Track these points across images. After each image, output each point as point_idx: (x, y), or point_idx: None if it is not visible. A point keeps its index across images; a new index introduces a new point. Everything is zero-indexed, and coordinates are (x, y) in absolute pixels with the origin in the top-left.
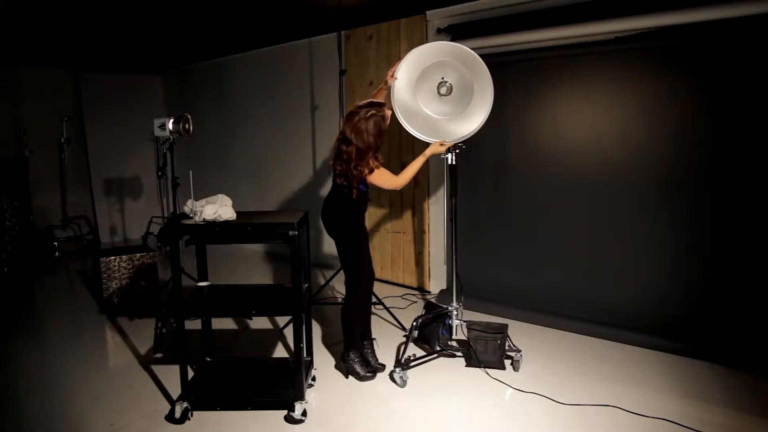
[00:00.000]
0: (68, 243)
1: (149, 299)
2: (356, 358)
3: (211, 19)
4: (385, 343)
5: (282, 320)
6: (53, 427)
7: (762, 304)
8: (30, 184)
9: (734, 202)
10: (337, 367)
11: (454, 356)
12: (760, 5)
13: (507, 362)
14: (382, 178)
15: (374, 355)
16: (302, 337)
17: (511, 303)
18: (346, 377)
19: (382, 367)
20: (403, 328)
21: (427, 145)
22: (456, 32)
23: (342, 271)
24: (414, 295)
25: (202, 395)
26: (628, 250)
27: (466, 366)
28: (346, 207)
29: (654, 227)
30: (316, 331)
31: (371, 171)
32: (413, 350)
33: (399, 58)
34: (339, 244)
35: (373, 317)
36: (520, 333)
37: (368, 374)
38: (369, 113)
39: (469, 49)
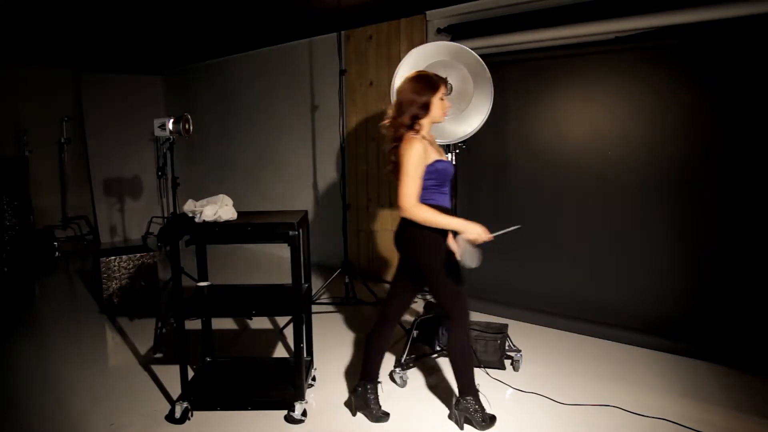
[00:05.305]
0: (68, 243)
1: (149, 299)
2: (476, 404)
3: (211, 19)
4: None
5: (282, 320)
6: (53, 427)
7: (762, 304)
8: (30, 184)
9: (734, 202)
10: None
11: None
12: (760, 5)
13: (507, 362)
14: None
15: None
16: (302, 337)
17: (511, 303)
18: (461, 429)
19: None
20: (403, 328)
21: None
22: (456, 32)
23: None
24: None
25: (202, 395)
26: (628, 249)
27: None
28: None
29: (654, 227)
30: (316, 331)
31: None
32: (413, 350)
33: (399, 58)
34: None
35: (373, 317)
36: (520, 333)
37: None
38: None
39: (469, 49)
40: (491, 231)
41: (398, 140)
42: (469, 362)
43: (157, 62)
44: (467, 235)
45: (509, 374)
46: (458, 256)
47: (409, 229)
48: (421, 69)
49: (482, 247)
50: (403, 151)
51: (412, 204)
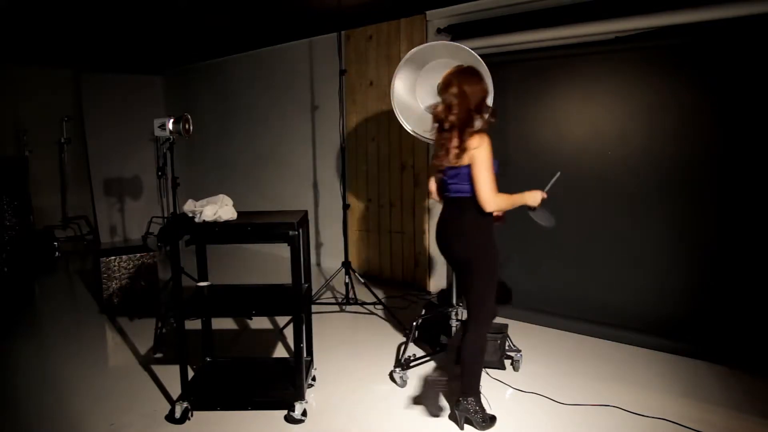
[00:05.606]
0: (68, 243)
1: (149, 299)
2: (477, 405)
3: (211, 19)
4: (386, 343)
5: (282, 320)
6: (53, 427)
7: (762, 304)
8: (30, 184)
9: (734, 202)
10: (338, 367)
11: None
12: (760, 5)
13: (507, 362)
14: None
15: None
16: (302, 337)
17: (512, 303)
18: (461, 429)
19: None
20: (404, 328)
21: (425, 145)
22: (456, 32)
23: None
24: (414, 295)
25: (202, 395)
26: (628, 249)
27: None
28: None
29: (654, 227)
30: (316, 331)
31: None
32: (413, 350)
33: (399, 58)
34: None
35: (373, 317)
36: (520, 333)
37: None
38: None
39: (469, 49)
40: (542, 190)
41: (465, 130)
42: (479, 365)
43: (157, 62)
44: (532, 202)
45: (509, 374)
46: (541, 222)
47: (457, 222)
48: (420, 69)
49: (543, 206)
50: (478, 145)
51: (494, 193)
